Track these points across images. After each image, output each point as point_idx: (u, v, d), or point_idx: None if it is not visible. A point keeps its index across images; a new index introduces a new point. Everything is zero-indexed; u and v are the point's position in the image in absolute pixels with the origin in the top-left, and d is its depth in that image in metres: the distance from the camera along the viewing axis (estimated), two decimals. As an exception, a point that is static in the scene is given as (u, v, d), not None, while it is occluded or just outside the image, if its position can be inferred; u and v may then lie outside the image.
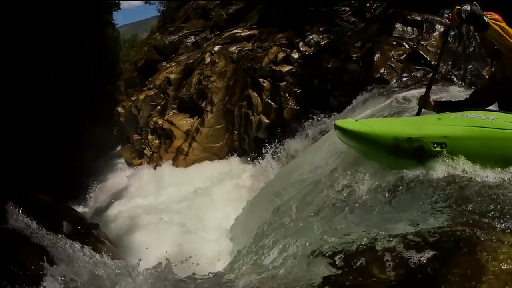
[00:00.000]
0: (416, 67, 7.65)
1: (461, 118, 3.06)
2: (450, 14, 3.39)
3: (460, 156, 2.88)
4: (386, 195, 3.12)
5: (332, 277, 2.47)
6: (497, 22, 3.09)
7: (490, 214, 2.47)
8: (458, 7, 3.23)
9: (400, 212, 2.87)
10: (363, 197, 3.32)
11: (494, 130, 2.84)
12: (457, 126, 2.98)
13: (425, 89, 3.89)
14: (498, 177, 2.81)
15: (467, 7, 3.16)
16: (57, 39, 13.97)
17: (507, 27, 3.09)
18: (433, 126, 3.11)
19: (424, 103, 3.68)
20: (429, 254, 2.25)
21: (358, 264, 2.47)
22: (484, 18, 3.09)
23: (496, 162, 2.81)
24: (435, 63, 3.84)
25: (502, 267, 2.05)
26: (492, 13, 3.19)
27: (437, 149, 2.89)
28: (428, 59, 7.65)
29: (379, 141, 3.16)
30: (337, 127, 3.49)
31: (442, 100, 4.07)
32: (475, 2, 3.21)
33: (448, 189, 2.80)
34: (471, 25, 3.56)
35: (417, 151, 2.96)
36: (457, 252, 2.23)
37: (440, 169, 2.92)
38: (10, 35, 10.75)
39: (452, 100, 3.92)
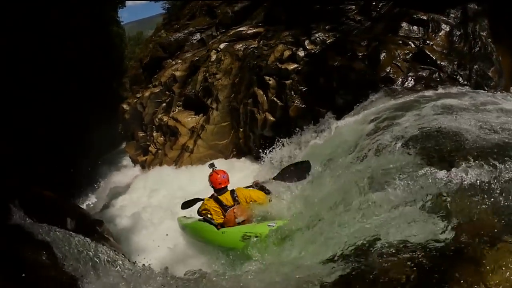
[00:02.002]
0: (422, 66, 7.59)
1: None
2: None
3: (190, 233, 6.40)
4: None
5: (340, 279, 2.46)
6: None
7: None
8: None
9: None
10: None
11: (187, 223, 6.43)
12: (192, 221, 6.36)
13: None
14: None
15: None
16: (62, 36, 14.01)
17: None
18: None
19: None
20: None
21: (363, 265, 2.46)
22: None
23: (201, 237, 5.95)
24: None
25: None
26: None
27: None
28: (434, 58, 7.61)
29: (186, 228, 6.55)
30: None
31: None
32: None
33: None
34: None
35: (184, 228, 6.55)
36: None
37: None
38: (13, 34, 10.78)
39: None
